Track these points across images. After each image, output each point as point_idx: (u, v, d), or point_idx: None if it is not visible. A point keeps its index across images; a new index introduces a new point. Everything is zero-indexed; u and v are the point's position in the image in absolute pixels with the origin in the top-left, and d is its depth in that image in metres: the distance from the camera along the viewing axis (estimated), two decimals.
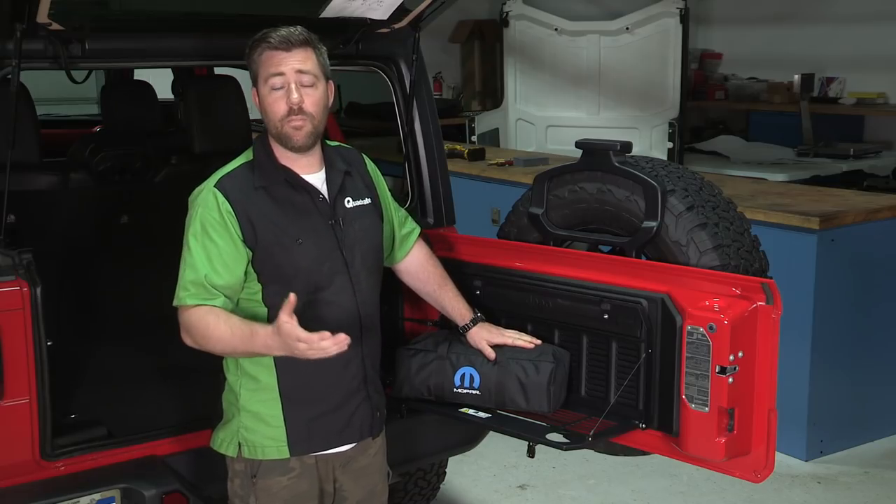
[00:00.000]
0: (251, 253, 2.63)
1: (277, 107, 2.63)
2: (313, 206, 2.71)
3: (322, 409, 2.73)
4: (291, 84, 2.61)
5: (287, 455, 2.69)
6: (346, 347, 2.43)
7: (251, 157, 2.72)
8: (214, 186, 2.63)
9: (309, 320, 2.51)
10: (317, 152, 2.75)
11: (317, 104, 2.65)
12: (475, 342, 3.07)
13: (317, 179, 2.74)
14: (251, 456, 2.69)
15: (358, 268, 2.75)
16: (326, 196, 2.74)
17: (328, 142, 2.84)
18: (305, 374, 2.65)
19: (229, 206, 2.60)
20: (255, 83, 2.68)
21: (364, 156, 2.96)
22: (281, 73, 2.61)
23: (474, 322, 3.07)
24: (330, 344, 2.40)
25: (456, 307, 3.08)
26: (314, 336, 2.39)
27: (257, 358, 2.65)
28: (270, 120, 2.66)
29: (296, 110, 2.62)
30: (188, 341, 2.62)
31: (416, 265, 3.10)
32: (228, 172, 2.68)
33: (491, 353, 3.04)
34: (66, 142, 4.49)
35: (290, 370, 2.66)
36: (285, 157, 2.70)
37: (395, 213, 3.03)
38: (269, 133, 2.70)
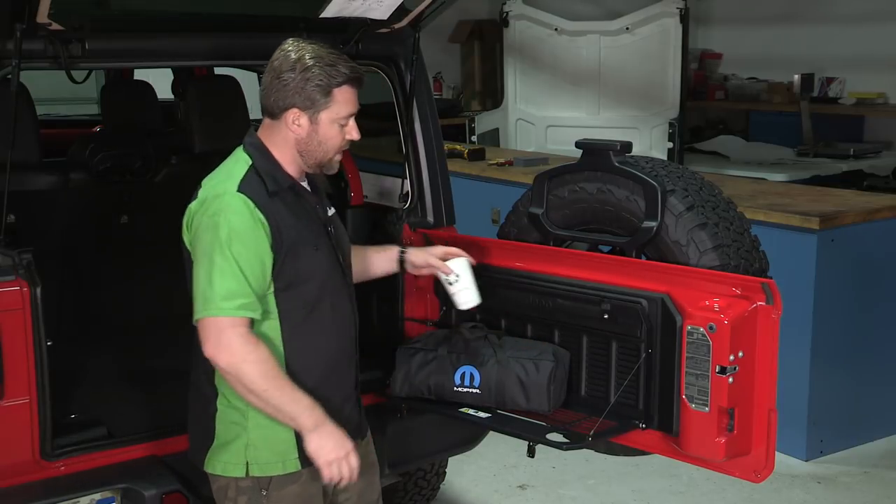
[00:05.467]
0: (274, 259, 2.54)
1: (338, 141, 2.63)
2: (315, 213, 2.69)
3: None
4: (352, 122, 2.63)
5: (298, 468, 2.63)
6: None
7: (251, 163, 2.60)
8: (238, 192, 2.52)
9: (315, 326, 2.56)
10: None
11: None
12: (423, 261, 3.03)
13: (306, 187, 2.72)
14: (261, 474, 2.62)
15: (348, 273, 2.76)
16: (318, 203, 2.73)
17: None
18: (315, 382, 2.62)
19: (260, 213, 2.51)
20: (311, 108, 2.57)
21: None
22: (354, 114, 2.62)
23: (405, 251, 3.05)
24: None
25: (380, 251, 3.05)
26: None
27: None
28: (324, 151, 2.62)
29: (346, 145, 2.66)
30: (223, 358, 2.46)
31: None
32: (242, 179, 2.56)
33: (446, 268, 3.01)
34: (66, 142, 4.49)
35: (304, 382, 2.59)
36: (288, 166, 2.64)
37: None
38: (306, 158, 2.63)
